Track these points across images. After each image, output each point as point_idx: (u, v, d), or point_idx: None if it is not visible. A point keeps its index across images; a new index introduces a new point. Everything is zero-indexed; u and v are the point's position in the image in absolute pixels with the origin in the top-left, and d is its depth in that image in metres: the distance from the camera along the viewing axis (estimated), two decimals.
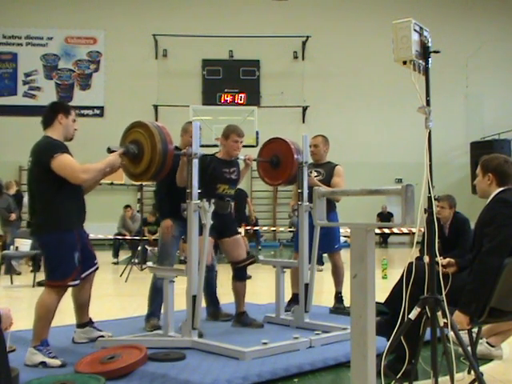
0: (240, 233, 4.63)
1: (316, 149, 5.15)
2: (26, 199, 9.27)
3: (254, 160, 4.69)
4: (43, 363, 3.30)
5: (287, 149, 4.53)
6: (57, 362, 3.32)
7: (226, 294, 4.89)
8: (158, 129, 3.64)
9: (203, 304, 4.41)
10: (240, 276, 4.41)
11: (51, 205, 3.45)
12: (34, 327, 3.41)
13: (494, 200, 3.02)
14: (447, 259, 3.20)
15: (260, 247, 13.37)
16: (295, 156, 4.49)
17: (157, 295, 4.16)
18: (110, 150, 3.67)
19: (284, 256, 12.13)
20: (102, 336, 3.82)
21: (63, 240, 3.43)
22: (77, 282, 3.48)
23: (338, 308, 5.10)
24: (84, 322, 3.85)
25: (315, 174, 5.06)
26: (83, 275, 3.62)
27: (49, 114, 3.61)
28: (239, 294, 4.43)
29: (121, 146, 3.73)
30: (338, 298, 5.18)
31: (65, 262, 3.42)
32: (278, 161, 4.63)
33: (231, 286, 4.45)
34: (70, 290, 3.62)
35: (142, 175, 3.69)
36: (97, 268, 3.82)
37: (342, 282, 5.16)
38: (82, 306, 3.80)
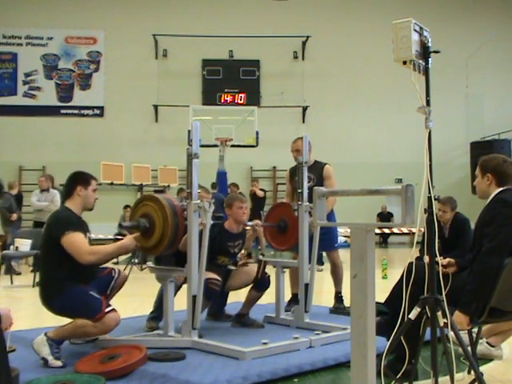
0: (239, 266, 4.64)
1: (299, 153, 4.89)
2: (32, 199, 9.30)
3: (262, 225, 4.66)
4: (45, 360, 3.31)
5: (293, 216, 4.49)
6: (58, 363, 3.32)
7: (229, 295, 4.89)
8: (169, 201, 3.67)
9: None
10: (261, 287, 4.38)
11: (57, 268, 3.50)
12: (64, 329, 3.43)
13: (493, 200, 3.02)
14: (447, 259, 3.20)
15: (260, 247, 13.36)
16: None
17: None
18: (121, 227, 3.71)
19: (284, 256, 12.10)
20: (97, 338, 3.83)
21: (72, 294, 3.45)
22: (111, 307, 3.47)
23: (338, 308, 5.10)
24: None
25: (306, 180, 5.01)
26: (108, 291, 3.72)
27: (68, 185, 3.71)
28: (251, 301, 4.43)
29: (131, 221, 3.77)
30: (338, 297, 5.18)
31: (88, 303, 3.42)
32: (285, 225, 4.61)
33: (248, 291, 4.44)
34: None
35: (154, 249, 3.74)
36: (118, 276, 3.85)
37: (341, 282, 5.16)
38: None
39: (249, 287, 4.45)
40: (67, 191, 3.71)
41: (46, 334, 3.39)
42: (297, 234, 4.46)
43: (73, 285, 3.47)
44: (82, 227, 3.61)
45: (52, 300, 3.50)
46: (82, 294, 3.45)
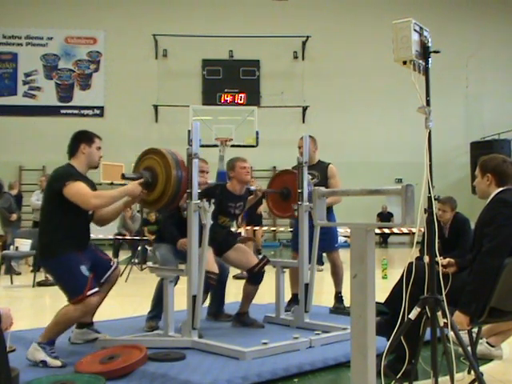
0: (238, 241, 4.62)
1: None
2: (32, 199, 9.30)
3: (265, 191, 4.65)
4: (44, 362, 3.31)
5: (296, 180, 4.47)
6: (57, 362, 3.32)
7: (227, 294, 4.89)
8: (173, 156, 3.64)
9: (206, 302, 4.42)
10: (255, 280, 4.37)
11: (54, 230, 3.51)
12: (48, 327, 3.44)
13: (493, 200, 3.02)
14: (447, 259, 3.20)
15: (260, 247, 13.35)
16: (308, 188, 4.44)
17: (162, 298, 4.14)
18: (124, 177, 3.69)
19: (284, 256, 12.12)
20: (96, 338, 3.82)
21: (65, 261, 3.46)
22: (95, 289, 3.48)
23: (338, 308, 5.10)
24: (85, 322, 3.84)
25: (310, 177, 5.02)
26: (102, 280, 3.69)
27: (72, 144, 3.70)
28: (248, 297, 4.42)
29: (134, 172, 3.75)
30: (339, 298, 5.18)
31: (75, 278, 3.43)
32: (288, 193, 4.60)
33: (243, 286, 4.44)
34: None
35: (155, 203, 3.70)
36: (115, 267, 3.83)
37: (341, 282, 5.16)
38: None
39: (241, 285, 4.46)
40: (71, 150, 3.70)
41: (34, 343, 3.39)
42: (295, 202, 4.44)
43: (67, 250, 3.47)
44: (84, 179, 3.59)
45: (46, 261, 3.54)
46: (72, 266, 3.44)
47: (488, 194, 3.07)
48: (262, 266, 4.34)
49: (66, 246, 3.48)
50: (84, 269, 3.47)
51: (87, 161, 3.68)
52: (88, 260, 3.57)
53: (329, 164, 5.18)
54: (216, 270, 4.09)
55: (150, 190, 3.65)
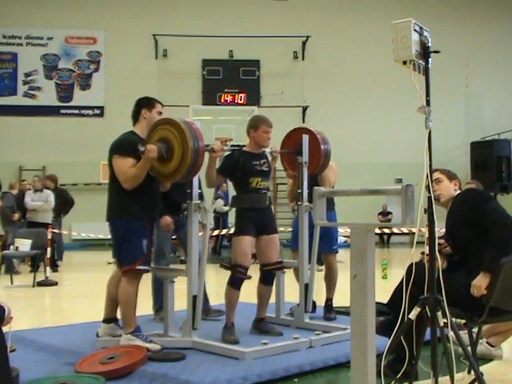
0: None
1: None
2: (27, 199, 9.31)
3: (280, 152, 4.48)
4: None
5: (313, 138, 4.39)
6: (157, 346, 3.48)
7: (222, 295, 4.88)
8: (188, 125, 3.50)
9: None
10: (267, 279, 4.20)
11: (120, 194, 3.59)
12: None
13: (463, 194, 3.32)
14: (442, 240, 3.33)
15: None
16: (322, 146, 4.37)
17: (161, 288, 4.10)
18: (137, 151, 3.52)
19: (284, 256, 12.10)
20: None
21: (131, 226, 3.55)
22: (146, 267, 3.57)
23: (329, 318, 4.78)
24: (111, 317, 3.85)
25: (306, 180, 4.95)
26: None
27: (134, 110, 3.82)
28: (263, 299, 4.23)
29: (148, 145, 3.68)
30: (328, 305, 4.90)
31: (132, 247, 3.52)
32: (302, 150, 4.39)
33: (256, 288, 4.27)
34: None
35: (172, 175, 3.56)
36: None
37: (334, 287, 4.95)
38: (114, 300, 3.77)
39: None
40: (134, 116, 3.80)
41: (124, 334, 3.53)
42: (317, 159, 4.37)
43: (139, 215, 3.56)
44: (137, 150, 3.51)
45: (115, 219, 3.64)
46: (136, 235, 3.53)
47: (451, 197, 3.31)
48: (273, 268, 4.20)
49: (140, 210, 3.55)
50: (145, 243, 3.56)
51: (148, 125, 3.69)
52: (147, 239, 3.62)
53: None
54: (247, 263, 3.93)
55: (166, 161, 3.51)
